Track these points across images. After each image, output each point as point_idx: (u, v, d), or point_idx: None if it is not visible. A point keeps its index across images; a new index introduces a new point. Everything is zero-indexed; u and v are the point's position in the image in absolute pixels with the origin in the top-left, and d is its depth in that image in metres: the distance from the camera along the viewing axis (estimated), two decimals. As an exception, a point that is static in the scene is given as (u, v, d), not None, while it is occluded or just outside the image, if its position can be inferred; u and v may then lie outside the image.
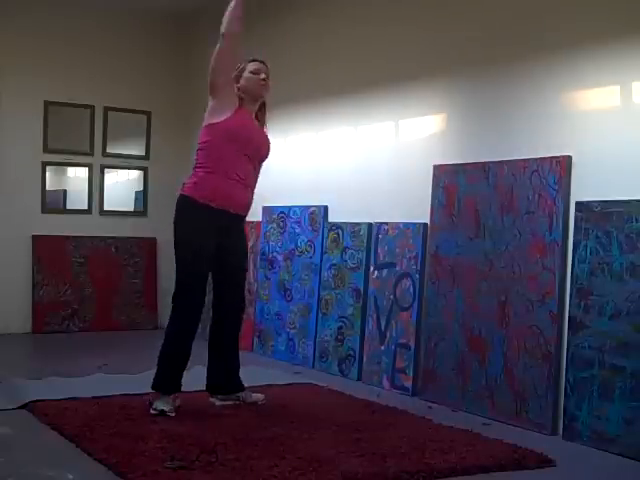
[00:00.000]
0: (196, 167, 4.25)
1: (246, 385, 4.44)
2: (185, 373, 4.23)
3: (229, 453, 3.40)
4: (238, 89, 4.33)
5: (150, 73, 7.65)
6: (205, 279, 4.22)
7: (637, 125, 3.86)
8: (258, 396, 4.41)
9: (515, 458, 3.50)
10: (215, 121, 4.22)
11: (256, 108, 4.39)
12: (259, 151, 4.31)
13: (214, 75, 4.27)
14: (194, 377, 4.38)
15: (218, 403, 4.34)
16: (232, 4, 4.20)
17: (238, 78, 4.36)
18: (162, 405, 4.07)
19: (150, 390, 4.14)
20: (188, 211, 4.22)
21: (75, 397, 4.38)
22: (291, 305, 6.00)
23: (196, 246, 4.17)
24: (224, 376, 4.36)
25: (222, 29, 4.23)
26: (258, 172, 4.35)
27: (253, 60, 4.44)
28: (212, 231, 4.17)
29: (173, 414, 4.04)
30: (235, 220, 4.26)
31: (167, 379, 4.16)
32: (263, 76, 4.36)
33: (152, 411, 4.04)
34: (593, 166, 4.03)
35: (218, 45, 4.24)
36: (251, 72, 4.36)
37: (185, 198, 4.25)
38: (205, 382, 4.38)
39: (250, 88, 4.34)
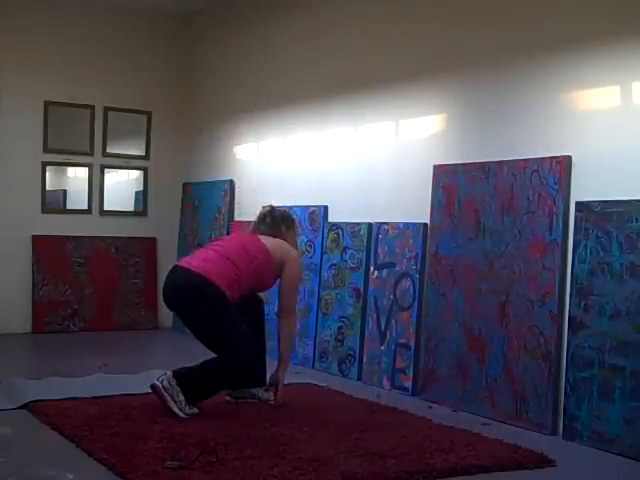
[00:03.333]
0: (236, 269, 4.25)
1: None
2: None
3: (229, 453, 3.41)
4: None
5: (150, 73, 7.64)
6: None
7: (637, 125, 3.86)
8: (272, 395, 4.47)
9: (515, 458, 3.50)
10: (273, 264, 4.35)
11: None
12: None
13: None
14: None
15: (232, 401, 4.42)
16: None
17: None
18: (189, 410, 4.10)
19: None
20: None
21: (75, 397, 4.38)
22: (291, 305, 6.00)
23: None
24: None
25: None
26: None
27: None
28: None
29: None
30: None
31: (201, 397, 4.20)
32: None
33: (184, 415, 4.04)
34: (593, 166, 4.03)
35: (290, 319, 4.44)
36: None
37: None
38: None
39: None
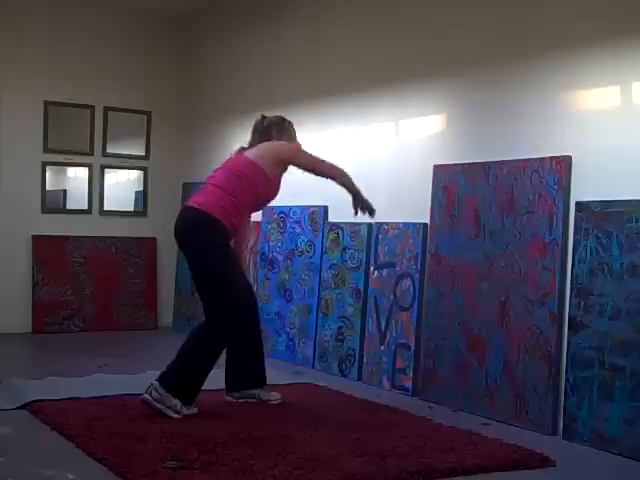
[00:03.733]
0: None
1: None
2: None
3: (229, 453, 3.41)
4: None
5: (150, 73, 7.64)
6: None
7: (637, 125, 3.86)
8: (274, 395, 4.48)
9: (515, 458, 3.50)
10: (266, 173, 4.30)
11: None
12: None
13: (291, 161, 4.38)
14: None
15: (232, 400, 4.44)
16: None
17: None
18: (186, 410, 4.09)
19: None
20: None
21: (75, 397, 4.39)
22: (291, 305, 6.00)
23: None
24: (243, 371, 4.47)
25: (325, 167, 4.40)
26: None
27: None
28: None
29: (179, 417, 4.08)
30: None
31: (194, 392, 4.19)
32: None
33: (176, 415, 4.03)
34: (593, 166, 4.03)
35: (313, 160, 4.39)
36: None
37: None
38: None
39: None
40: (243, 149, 4.46)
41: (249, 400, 4.44)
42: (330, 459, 3.35)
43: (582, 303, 3.93)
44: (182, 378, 4.14)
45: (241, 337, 4.37)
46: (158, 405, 4.03)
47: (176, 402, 4.05)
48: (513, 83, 4.52)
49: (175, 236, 4.38)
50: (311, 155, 4.39)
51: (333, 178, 4.38)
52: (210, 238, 4.18)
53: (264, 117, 4.53)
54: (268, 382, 4.58)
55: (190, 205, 4.30)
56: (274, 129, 4.47)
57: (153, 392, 4.06)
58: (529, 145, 4.36)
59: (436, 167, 4.91)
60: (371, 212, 4.38)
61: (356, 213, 4.36)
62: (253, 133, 4.52)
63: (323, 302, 5.70)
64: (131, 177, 7.74)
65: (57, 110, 7.24)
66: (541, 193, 4.22)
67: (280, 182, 4.43)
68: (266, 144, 4.37)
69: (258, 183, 4.28)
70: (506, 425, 4.18)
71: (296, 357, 5.87)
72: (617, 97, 3.98)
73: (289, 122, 4.54)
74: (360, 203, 4.34)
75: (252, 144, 4.45)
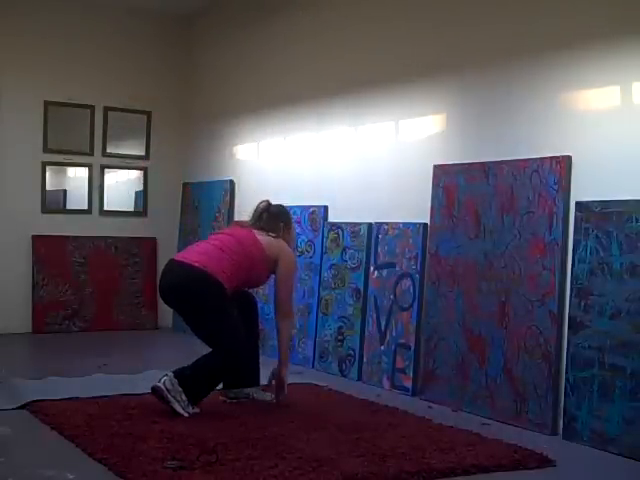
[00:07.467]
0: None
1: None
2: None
3: (229, 453, 3.40)
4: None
5: (150, 73, 7.65)
6: None
7: (637, 125, 3.86)
8: (268, 394, 4.46)
9: (515, 458, 3.50)
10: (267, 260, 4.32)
11: None
12: None
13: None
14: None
15: (227, 401, 4.41)
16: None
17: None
18: (192, 409, 4.10)
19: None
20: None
21: (75, 397, 4.38)
22: (291, 305, 6.00)
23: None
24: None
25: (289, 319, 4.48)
26: None
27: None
28: None
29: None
30: None
31: (202, 395, 4.19)
32: None
33: (182, 411, 4.03)
34: (593, 166, 4.03)
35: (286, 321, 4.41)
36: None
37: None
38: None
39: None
40: (243, 225, 4.51)
41: (242, 400, 4.42)
42: (330, 459, 3.35)
43: (582, 303, 3.93)
44: (196, 378, 4.13)
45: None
46: (169, 396, 4.02)
47: (185, 398, 4.05)
48: (513, 83, 4.52)
49: (166, 292, 4.28)
50: (289, 298, 4.43)
51: (281, 346, 4.36)
52: (208, 297, 4.17)
53: (269, 205, 4.55)
54: (268, 382, 4.58)
55: (184, 262, 4.23)
56: (282, 222, 4.51)
57: (167, 382, 4.03)
58: (529, 145, 4.37)
59: (436, 167, 4.91)
60: (268, 398, 4.42)
61: (262, 387, 4.46)
62: (257, 219, 4.51)
63: (323, 302, 5.70)
64: (131, 177, 7.74)
65: (57, 110, 7.24)
66: (541, 193, 4.22)
67: (269, 276, 4.44)
68: (279, 241, 4.40)
69: (257, 267, 4.31)
70: (506, 425, 4.18)
71: (296, 357, 5.86)
72: (617, 97, 3.98)
73: (292, 217, 4.71)
74: (282, 385, 4.35)
75: (255, 226, 4.46)
